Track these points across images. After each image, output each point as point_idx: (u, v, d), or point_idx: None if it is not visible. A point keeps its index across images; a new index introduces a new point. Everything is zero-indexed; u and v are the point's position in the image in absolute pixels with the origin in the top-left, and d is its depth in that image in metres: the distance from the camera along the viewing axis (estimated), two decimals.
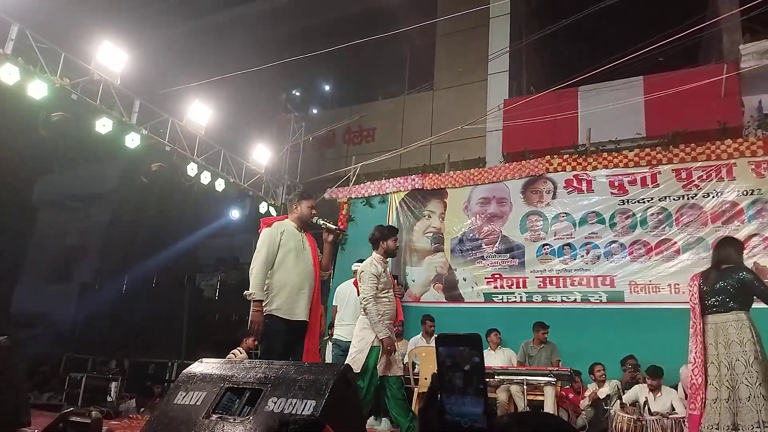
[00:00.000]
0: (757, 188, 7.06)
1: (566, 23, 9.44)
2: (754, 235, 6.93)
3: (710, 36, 9.32)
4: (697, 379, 4.11)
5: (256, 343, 7.08)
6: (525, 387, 5.80)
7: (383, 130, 11.87)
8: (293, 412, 2.62)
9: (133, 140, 7.56)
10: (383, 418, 5.89)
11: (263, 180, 10.16)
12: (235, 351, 6.45)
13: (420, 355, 6.61)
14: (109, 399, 6.61)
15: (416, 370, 6.61)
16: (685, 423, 5.70)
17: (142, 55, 8.11)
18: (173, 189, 8.93)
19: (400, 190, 9.32)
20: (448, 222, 8.76)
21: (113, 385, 6.76)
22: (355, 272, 6.32)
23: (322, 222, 4.13)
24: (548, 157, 8.23)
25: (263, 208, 10.02)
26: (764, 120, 7.53)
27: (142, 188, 9.51)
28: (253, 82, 10.02)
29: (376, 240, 4.49)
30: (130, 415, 6.21)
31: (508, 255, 8.19)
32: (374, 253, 4.50)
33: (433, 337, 7.10)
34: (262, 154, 9.93)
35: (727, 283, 4.03)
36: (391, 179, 9.45)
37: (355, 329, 4.30)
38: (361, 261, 6.52)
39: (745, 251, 6.72)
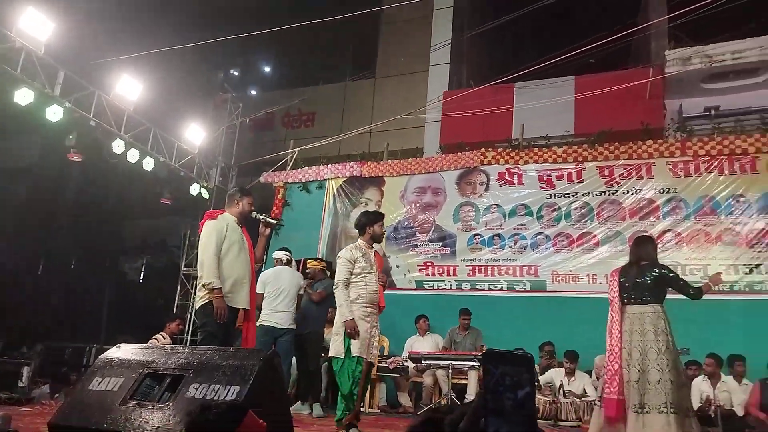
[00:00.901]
0: (673, 187, 7.55)
1: (505, 20, 9.67)
2: (668, 230, 7.43)
3: (639, 40, 9.82)
4: (613, 365, 4.39)
5: (180, 327, 6.93)
6: (450, 371, 5.99)
7: (323, 115, 11.79)
8: (215, 398, 2.60)
9: (54, 113, 7.12)
10: (315, 404, 5.90)
11: (196, 161, 9.85)
12: (158, 336, 6.27)
13: None
14: (20, 385, 6.27)
15: None
16: (596, 404, 6.08)
17: (70, 23, 7.61)
18: (97, 166, 8.50)
19: (339, 177, 9.32)
20: (385, 210, 8.78)
21: (25, 370, 6.42)
22: (277, 260, 6.30)
23: (261, 217, 4.22)
24: (483, 150, 8.45)
25: (194, 189, 9.69)
26: (684, 123, 8.04)
27: (62, 164, 9.00)
28: (189, 59, 9.68)
29: (362, 226, 4.50)
30: (43, 402, 5.91)
31: (440, 243, 8.38)
32: (359, 238, 4.52)
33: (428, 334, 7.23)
34: (195, 134, 9.61)
35: (645, 278, 4.38)
36: (329, 165, 9.41)
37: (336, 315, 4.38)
38: (285, 249, 6.53)
39: (658, 246, 7.24)
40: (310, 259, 7.00)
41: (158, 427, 2.59)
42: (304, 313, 6.22)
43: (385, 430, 4.39)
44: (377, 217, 4.54)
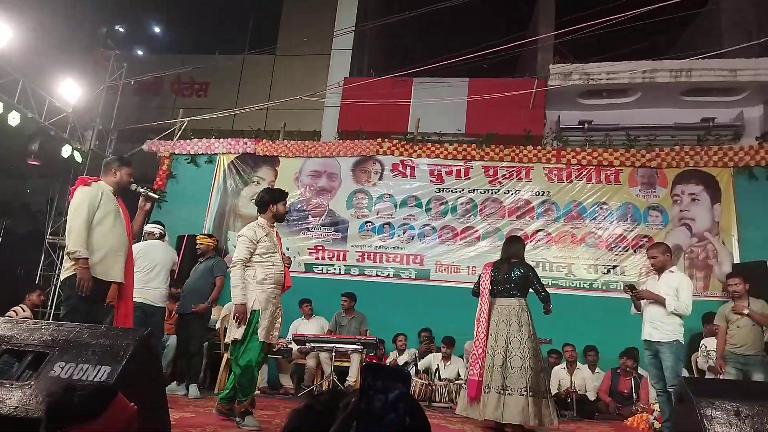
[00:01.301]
0: (547, 190, 8.21)
1: (408, 15, 9.85)
2: (540, 230, 8.08)
3: (528, 52, 10.49)
4: (478, 350, 4.84)
5: (42, 299, 6.34)
6: (333, 354, 6.07)
7: (218, 86, 11.25)
8: (83, 378, 2.43)
9: None
10: (191, 385, 5.68)
11: (69, 120, 8.97)
12: (17, 309, 5.69)
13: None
14: None
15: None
16: (463, 386, 6.51)
17: None
18: None
19: (230, 153, 8.99)
20: None
21: None
22: (148, 234, 5.92)
23: (142, 190, 3.97)
24: (380, 139, 8.60)
25: (66, 151, 8.81)
26: (560, 133, 8.75)
27: None
28: (69, 5, 8.75)
29: (264, 203, 4.29)
30: None
31: (332, 228, 8.43)
32: (260, 216, 4.32)
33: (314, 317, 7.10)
34: (71, 91, 8.74)
35: (513, 274, 4.83)
36: (221, 140, 9.05)
37: None
38: (158, 223, 6.18)
39: (530, 243, 7.87)
40: (202, 235, 6.68)
41: (17, 407, 2.37)
42: (190, 291, 5.95)
43: (265, 411, 4.35)
44: (281, 195, 4.35)
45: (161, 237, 6.03)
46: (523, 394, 4.49)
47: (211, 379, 6.66)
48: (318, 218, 8.48)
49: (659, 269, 4.69)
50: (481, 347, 4.81)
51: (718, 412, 1.72)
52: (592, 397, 6.65)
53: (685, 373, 5.30)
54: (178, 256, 6.78)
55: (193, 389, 5.62)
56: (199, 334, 5.95)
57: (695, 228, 7.76)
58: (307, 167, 8.76)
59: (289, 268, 4.36)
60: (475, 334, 4.95)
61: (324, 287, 7.87)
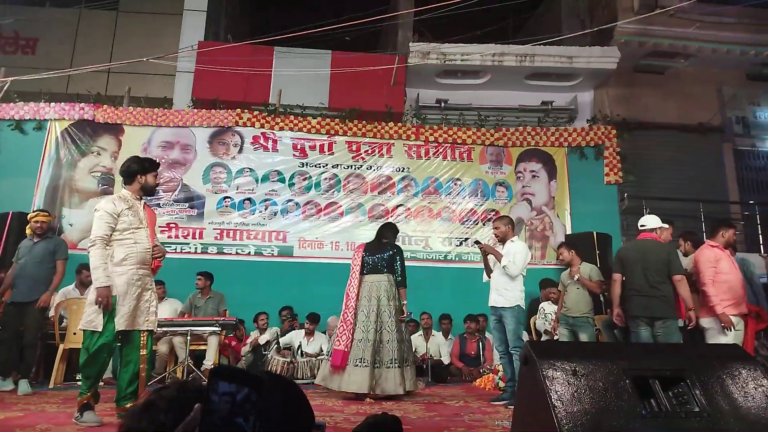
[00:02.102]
0: (407, 167, 8.49)
1: None
2: (400, 205, 8.34)
3: (389, 28, 10.61)
4: (347, 322, 5.07)
5: None
6: (189, 338, 5.75)
7: (49, 43, 9.84)
8: None
9: None
10: (21, 380, 5.02)
11: None
12: None
13: (70, 307, 5.88)
14: None
15: (63, 324, 5.86)
16: (326, 358, 6.59)
17: None
18: None
19: (64, 119, 8.00)
20: (122, 162, 7.91)
21: None
22: None
23: None
24: (239, 110, 8.20)
25: None
26: (420, 111, 9.02)
27: None
28: None
29: (131, 173, 3.80)
30: None
31: (187, 204, 7.91)
32: (124, 188, 3.83)
33: (89, 289, 6.37)
34: None
35: (383, 253, 5.28)
36: (53, 104, 8.00)
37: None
38: None
39: (391, 218, 8.09)
40: (38, 211, 5.73)
41: None
42: (27, 276, 5.19)
43: (110, 404, 3.99)
44: (152, 165, 3.90)
45: None
46: (390, 366, 4.84)
47: (44, 372, 5.96)
48: (171, 193, 7.90)
49: (501, 239, 5.11)
50: (350, 320, 5.05)
51: (558, 373, 1.89)
52: (446, 362, 7.10)
53: (525, 336, 5.84)
54: (1, 236, 5.91)
55: (23, 385, 4.98)
56: (36, 325, 5.26)
57: (535, 202, 8.55)
58: (157, 137, 8.08)
59: (161, 259, 3.95)
60: (344, 307, 5.18)
61: (178, 268, 7.36)
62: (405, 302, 5.19)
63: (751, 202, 9.09)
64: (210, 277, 6.82)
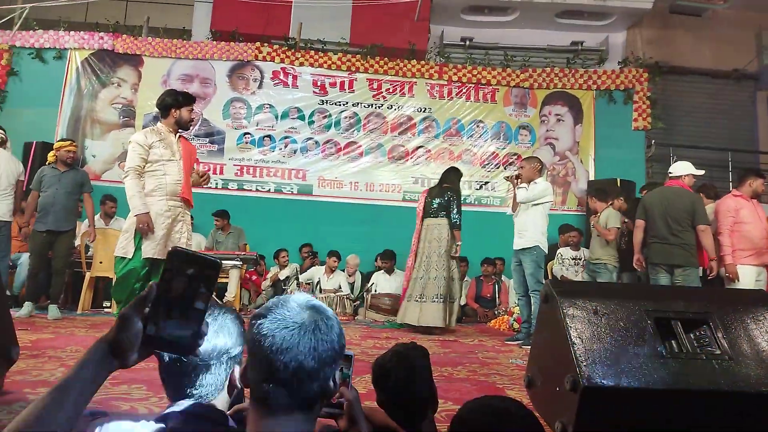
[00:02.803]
0: (429, 107, 8.32)
1: None
2: (421, 146, 8.24)
3: None
4: (409, 263, 5.64)
5: None
6: None
7: None
8: None
9: None
10: (51, 305, 5.21)
11: None
12: None
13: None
14: None
15: (89, 253, 6.02)
16: (347, 299, 6.76)
17: None
18: None
19: (84, 48, 7.90)
20: (142, 95, 7.89)
21: None
22: None
23: None
24: (258, 44, 8.03)
25: None
26: (443, 49, 8.74)
27: None
28: None
29: (166, 106, 3.83)
30: None
31: (207, 140, 7.91)
32: (160, 122, 3.89)
33: (114, 219, 6.52)
34: None
35: (441, 197, 5.47)
36: (72, 33, 7.89)
37: None
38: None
39: (411, 160, 8.01)
40: (66, 140, 5.72)
41: None
42: (60, 206, 5.28)
43: None
44: (187, 99, 3.90)
45: (2, 144, 5.23)
46: (434, 301, 5.25)
47: (73, 299, 6.19)
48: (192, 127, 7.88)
49: (526, 179, 5.05)
50: (411, 260, 5.59)
51: (579, 311, 1.90)
52: (461, 303, 7.21)
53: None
54: (26, 166, 5.99)
55: (53, 310, 5.18)
56: (66, 253, 5.41)
57: (558, 147, 8.38)
58: (176, 70, 7.99)
59: (206, 183, 4.03)
60: (412, 249, 5.70)
61: (200, 203, 7.42)
62: (459, 243, 5.39)
63: None
64: (226, 215, 6.89)
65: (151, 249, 3.67)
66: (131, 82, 7.93)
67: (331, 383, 0.94)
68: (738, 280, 4.38)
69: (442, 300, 5.22)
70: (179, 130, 3.94)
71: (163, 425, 1.04)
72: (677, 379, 1.75)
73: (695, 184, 4.90)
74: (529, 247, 4.88)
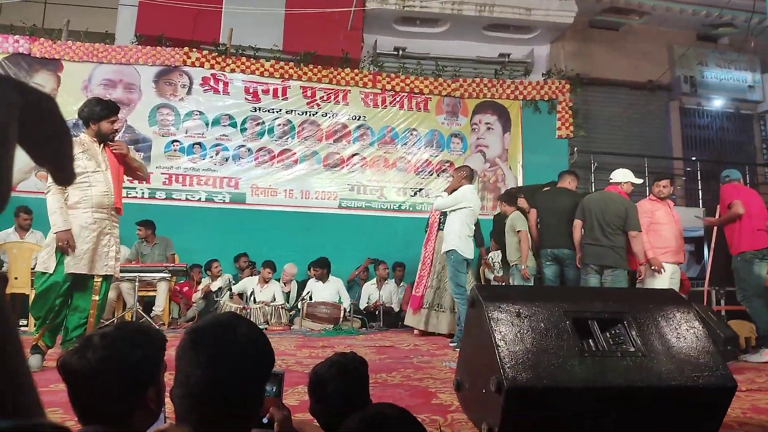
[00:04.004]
0: (363, 115, 8.37)
1: None
2: (356, 154, 8.27)
3: None
4: (423, 272, 6.05)
5: None
6: (137, 284, 5.63)
7: None
8: None
9: None
10: None
11: None
12: None
13: (10, 251, 5.64)
14: None
15: (3, 269, 5.62)
16: (282, 309, 6.66)
17: None
18: None
19: None
20: (62, 101, 7.17)
21: None
22: None
23: None
24: (187, 49, 7.81)
25: None
26: (377, 58, 8.82)
27: None
28: None
29: (84, 119, 3.63)
30: None
31: (132, 147, 7.53)
32: (83, 132, 3.65)
33: (30, 232, 6.12)
34: None
35: (448, 212, 5.46)
36: None
37: None
38: None
39: (346, 167, 8.06)
40: None
41: None
42: None
43: (57, 350, 3.89)
44: (107, 110, 3.63)
45: None
46: (445, 311, 5.82)
47: None
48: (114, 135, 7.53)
49: (452, 188, 5.31)
50: (426, 270, 6.02)
51: (503, 315, 1.96)
52: (396, 309, 7.26)
53: (469, 281, 6.03)
54: None
55: None
56: None
57: (489, 154, 8.65)
58: (98, 75, 7.63)
59: (120, 150, 3.71)
60: (422, 259, 6.14)
61: (124, 213, 7.13)
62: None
63: (693, 158, 9.49)
64: (151, 224, 6.62)
65: (74, 264, 3.47)
66: (50, 88, 7.49)
67: (247, 400, 0.92)
68: (663, 270, 4.65)
69: (451, 310, 5.73)
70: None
71: None
72: (595, 377, 1.83)
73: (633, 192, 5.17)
74: (448, 251, 5.09)
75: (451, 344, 4.93)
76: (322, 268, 6.90)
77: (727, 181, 4.90)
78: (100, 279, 3.62)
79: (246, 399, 0.92)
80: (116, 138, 3.80)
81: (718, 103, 9.94)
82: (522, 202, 5.91)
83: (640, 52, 9.41)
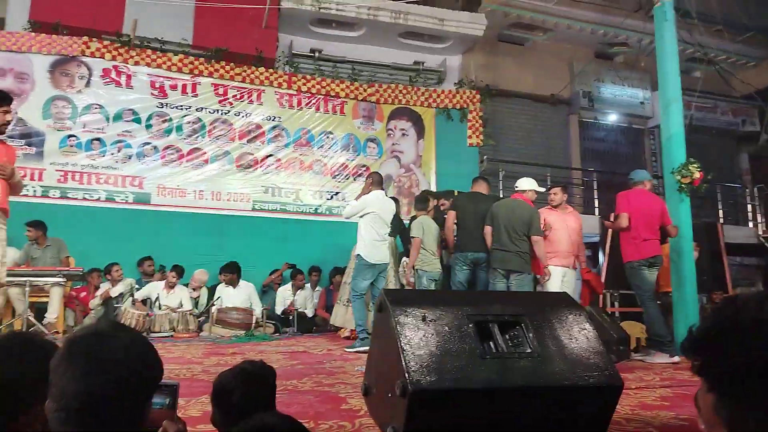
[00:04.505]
0: (278, 116, 8.23)
1: None
2: (270, 155, 8.11)
3: None
4: None
5: None
6: (27, 289, 5.18)
7: None
8: None
9: None
10: None
11: None
12: None
13: None
14: None
15: None
16: (190, 315, 6.40)
17: None
18: None
19: None
20: None
21: None
22: None
23: None
24: (86, 38, 7.32)
25: None
26: (292, 59, 8.71)
27: None
28: None
29: None
30: None
31: (23, 141, 6.98)
32: None
33: None
34: None
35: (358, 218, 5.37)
36: None
37: None
38: None
39: (261, 168, 7.89)
40: None
41: None
42: None
43: None
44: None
45: None
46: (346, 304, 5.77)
47: None
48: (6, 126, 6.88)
49: (362, 195, 5.36)
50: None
51: (409, 319, 2.00)
52: (310, 313, 7.20)
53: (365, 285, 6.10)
54: None
55: None
56: None
57: (403, 159, 8.81)
58: None
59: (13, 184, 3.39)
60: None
61: (13, 212, 6.52)
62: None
63: (591, 169, 10.19)
64: (41, 225, 6.07)
65: None
66: None
67: (126, 415, 0.88)
68: (547, 278, 4.94)
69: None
70: None
71: None
72: (495, 378, 1.91)
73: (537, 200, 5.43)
74: (356, 255, 5.18)
75: (347, 350, 4.95)
76: (231, 272, 6.70)
77: (631, 184, 5.10)
78: None
79: (125, 414, 0.88)
80: (7, 130, 3.48)
81: (612, 118, 10.73)
82: (445, 204, 6.01)
83: (543, 67, 9.98)
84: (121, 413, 0.87)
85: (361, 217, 5.20)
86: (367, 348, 4.78)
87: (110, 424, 0.86)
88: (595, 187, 9.99)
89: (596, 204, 9.85)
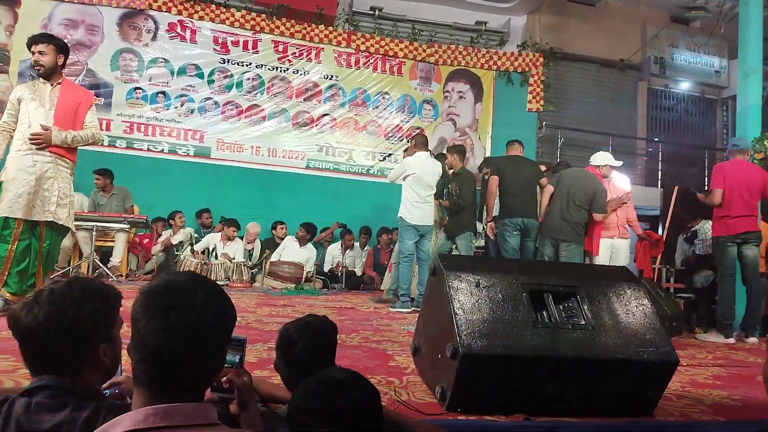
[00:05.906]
0: (336, 75, 8.21)
1: None
2: (326, 114, 8.14)
3: None
4: None
5: None
6: (94, 233, 5.50)
7: None
8: None
9: None
10: None
11: None
12: None
13: None
14: None
15: None
16: (244, 266, 6.62)
17: None
18: None
19: None
20: (18, 39, 7.04)
21: None
22: None
23: None
24: None
25: None
26: (352, 17, 8.60)
27: None
28: None
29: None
30: None
31: (93, 92, 7.24)
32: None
33: None
34: None
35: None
36: None
37: None
38: None
39: (316, 127, 7.95)
40: None
41: None
42: None
43: None
44: (28, 43, 3.51)
45: None
46: None
47: None
48: (74, 78, 7.18)
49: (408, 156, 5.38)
50: None
51: (463, 284, 2.00)
52: (359, 272, 7.34)
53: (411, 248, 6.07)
54: None
55: None
56: None
57: (459, 123, 8.66)
58: (58, 13, 7.21)
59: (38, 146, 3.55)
60: None
61: (81, 160, 6.85)
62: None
63: (656, 139, 9.72)
64: (109, 173, 6.35)
65: (7, 208, 3.33)
66: (5, 24, 7.07)
67: (204, 365, 0.93)
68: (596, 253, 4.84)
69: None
70: (50, 79, 3.55)
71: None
72: (546, 347, 1.91)
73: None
74: (398, 218, 5.23)
75: (392, 309, 5.00)
76: (307, 232, 6.94)
77: (733, 150, 4.71)
78: (44, 225, 3.48)
79: (202, 365, 0.93)
80: (63, 74, 3.66)
81: (684, 86, 10.14)
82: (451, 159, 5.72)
83: (614, 30, 9.47)
84: (198, 364, 0.92)
85: (403, 179, 5.20)
86: (407, 309, 4.89)
87: (188, 374, 0.91)
88: (660, 159, 9.55)
89: (659, 176, 9.44)
